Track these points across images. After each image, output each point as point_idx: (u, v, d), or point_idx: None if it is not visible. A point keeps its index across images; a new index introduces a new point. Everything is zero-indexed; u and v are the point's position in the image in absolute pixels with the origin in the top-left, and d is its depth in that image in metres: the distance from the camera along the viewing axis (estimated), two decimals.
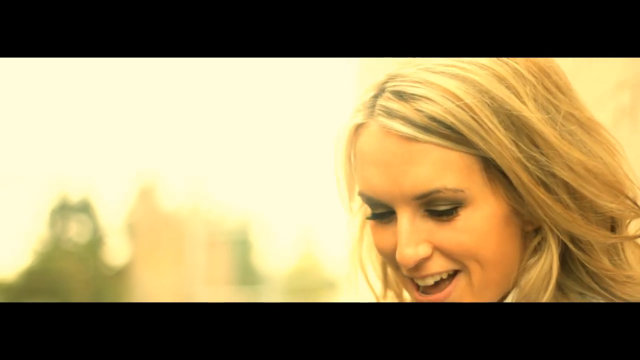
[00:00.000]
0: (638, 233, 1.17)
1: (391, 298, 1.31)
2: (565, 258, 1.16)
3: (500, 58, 1.13)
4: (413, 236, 1.14)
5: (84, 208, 19.99)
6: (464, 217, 1.12)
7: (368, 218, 1.19)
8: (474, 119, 1.09)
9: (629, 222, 1.18)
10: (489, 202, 1.13)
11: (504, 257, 1.15)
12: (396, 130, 1.11)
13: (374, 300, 1.31)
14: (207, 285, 16.11)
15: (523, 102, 1.11)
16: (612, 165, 1.15)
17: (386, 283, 1.30)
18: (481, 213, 1.13)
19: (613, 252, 1.16)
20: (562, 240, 1.14)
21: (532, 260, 1.16)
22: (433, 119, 1.10)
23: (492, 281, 1.15)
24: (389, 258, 1.19)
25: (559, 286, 1.17)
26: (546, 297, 1.15)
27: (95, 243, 19.93)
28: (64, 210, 19.93)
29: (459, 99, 1.09)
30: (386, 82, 1.14)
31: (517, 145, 1.10)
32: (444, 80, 1.11)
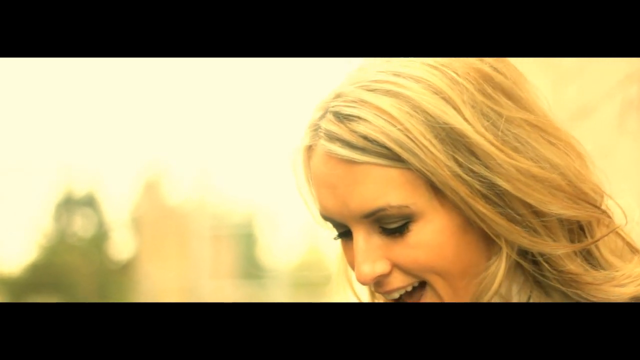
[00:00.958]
0: (588, 241, 1.14)
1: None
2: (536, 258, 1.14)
3: (436, 66, 1.11)
4: (369, 254, 1.13)
5: (89, 202, 20.03)
6: (416, 232, 1.12)
7: (334, 238, 1.20)
8: (407, 136, 1.08)
9: (607, 221, 1.15)
10: (440, 215, 1.12)
11: (465, 265, 1.14)
12: (335, 154, 1.12)
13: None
14: (212, 279, 16.13)
15: (460, 112, 1.09)
16: (569, 168, 1.12)
17: (373, 297, 1.29)
18: (432, 226, 1.12)
19: (585, 254, 1.14)
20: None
21: (488, 267, 1.15)
22: (367, 139, 1.09)
23: (460, 289, 1.14)
24: None
25: (540, 285, 1.16)
26: (486, 299, 1.14)
27: (100, 237, 19.98)
28: (69, 204, 19.97)
29: (392, 117, 1.09)
30: (330, 101, 1.14)
31: (455, 159, 1.09)
32: (377, 99, 1.10)
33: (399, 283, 1.15)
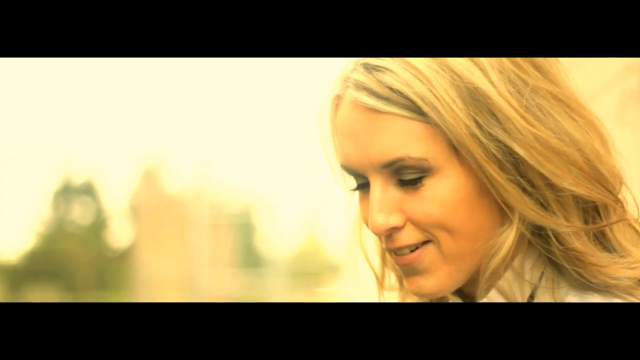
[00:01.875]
0: (599, 224, 1.14)
1: (390, 278, 1.31)
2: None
3: None
4: (384, 204, 1.15)
5: (88, 190, 20.05)
6: (431, 186, 1.13)
7: (351, 189, 1.22)
8: (431, 91, 1.11)
9: (622, 206, 1.15)
10: (457, 173, 1.13)
11: (475, 228, 1.15)
12: (361, 102, 1.14)
13: (373, 282, 1.32)
14: (211, 268, 16.16)
15: (486, 75, 1.11)
16: (588, 146, 1.13)
17: (384, 262, 1.30)
18: (448, 183, 1.13)
19: (598, 234, 1.15)
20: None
21: (498, 235, 1.15)
22: (392, 89, 1.12)
23: (465, 252, 1.15)
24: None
25: (554, 262, 1.16)
26: (493, 266, 1.15)
27: (99, 225, 20.01)
28: (67, 192, 20.00)
29: (419, 71, 1.11)
30: (362, 58, 1.17)
31: (476, 121, 1.11)
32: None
33: (409, 240, 1.16)
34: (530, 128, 1.10)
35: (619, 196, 1.16)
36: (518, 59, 1.13)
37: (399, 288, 1.30)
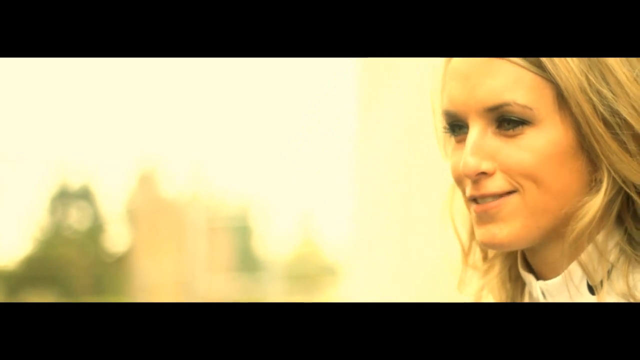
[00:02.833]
0: None
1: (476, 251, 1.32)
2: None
3: None
4: (480, 149, 1.18)
5: (84, 195, 19.99)
6: (529, 136, 1.16)
7: (446, 130, 1.24)
8: None
9: None
10: (557, 128, 1.16)
11: (564, 188, 1.17)
12: None
13: (458, 253, 1.32)
14: (207, 271, 16.12)
15: None
16: None
17: (472, 236, 1.30)
18: (547, 136, 1.16)
19: None
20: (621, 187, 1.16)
21: (585, 200, 1.17)
22: None
23: (549, 208, 1.17)
24: (461, 186, 1.23)
25: (634, 247, 1.19)
26: (578, 231, 1.17)
27: (96, 230, 19.94)
28: (64, 197, 19.93)
29: None
30: None
31: (587, 78, 1.14)
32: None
33: (495, 188, 1.18)
34: (639, 93, 1.14)
35: None
36: None
37: (482, 273, 1.31)
